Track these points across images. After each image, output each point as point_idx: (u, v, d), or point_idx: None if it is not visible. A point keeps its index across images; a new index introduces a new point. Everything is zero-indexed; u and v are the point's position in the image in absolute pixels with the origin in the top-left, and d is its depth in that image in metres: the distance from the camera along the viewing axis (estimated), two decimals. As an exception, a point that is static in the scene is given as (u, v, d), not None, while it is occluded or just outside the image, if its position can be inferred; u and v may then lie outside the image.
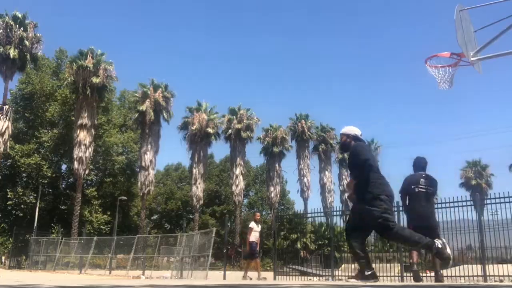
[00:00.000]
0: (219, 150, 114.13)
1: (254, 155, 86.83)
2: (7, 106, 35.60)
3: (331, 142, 50.89)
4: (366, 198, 5.48)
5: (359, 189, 5.61)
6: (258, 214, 17.12)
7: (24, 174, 43.57)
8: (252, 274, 15.57)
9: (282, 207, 58.75)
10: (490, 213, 13.72)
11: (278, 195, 47.61)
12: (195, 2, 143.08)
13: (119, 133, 47.67)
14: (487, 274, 11.22)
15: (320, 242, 28.64)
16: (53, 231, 37.69)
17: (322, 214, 21.13)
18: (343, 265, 17.21)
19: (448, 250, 5.17)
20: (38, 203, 40.38)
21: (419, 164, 8.22)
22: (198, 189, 42.39)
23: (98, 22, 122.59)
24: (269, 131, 47.76)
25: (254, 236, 15.24)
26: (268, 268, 24.93)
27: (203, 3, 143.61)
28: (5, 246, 39.21)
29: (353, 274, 6.12)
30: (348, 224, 6.12)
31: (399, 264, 12.91)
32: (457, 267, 11.88)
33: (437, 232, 7.78)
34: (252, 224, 15.46)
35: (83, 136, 36.95)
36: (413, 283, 6.44)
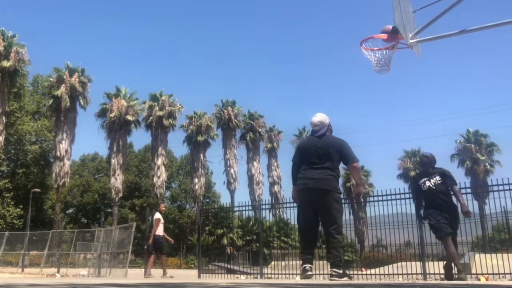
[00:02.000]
0: (140, 138, 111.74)
1: (177, 144, 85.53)
2: None
3: (259, 130, 50.27)
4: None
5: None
6: (163, 205, 16.48)
7: None
8: (155, 271, 14.83)
9: (207, 200, 57.61)
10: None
11: (203, 187, 46.84)
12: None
13: (32, 120, 45.94)
14: (427, 272, 11.11)
15: (248, 238, 28.34)
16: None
17: (250, 207, 20.53)
18: (272, 263, 16.85)
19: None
20: None
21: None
22: (117, 181, 41.07)
23: (9, 1, 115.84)
24: (193, 118, 46.82)
25: (161, 229, 14.47)
26: (192, 266, 24.31)
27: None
28: None
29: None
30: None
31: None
32: (395, 264, 11.71)
33: None
34: (158, 215, 14.66)
35: (-8, 124, 35.26)
36: (351, 281, 6.06)
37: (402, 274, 11.72)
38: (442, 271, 7.17)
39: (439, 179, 7.58)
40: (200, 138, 45.80)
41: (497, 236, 26.64)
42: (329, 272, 5.77)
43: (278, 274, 13.70)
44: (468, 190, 12.15)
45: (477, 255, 12.42)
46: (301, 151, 6.21)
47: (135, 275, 16.30)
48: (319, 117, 6.20)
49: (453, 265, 7.49)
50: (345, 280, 5.55)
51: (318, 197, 5.82)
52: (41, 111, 45.92)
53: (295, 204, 14.45)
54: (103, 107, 42.91)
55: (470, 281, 8.47)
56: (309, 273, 5.72)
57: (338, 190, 6.04)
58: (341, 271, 5.65)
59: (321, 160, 5.91)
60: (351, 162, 5.98)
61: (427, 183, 7.63)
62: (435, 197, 7.49)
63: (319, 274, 12.29)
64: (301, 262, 5.90)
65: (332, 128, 6.30)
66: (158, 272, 16.13)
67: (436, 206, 7.44)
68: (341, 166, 6.14)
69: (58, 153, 38.54)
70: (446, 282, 6.86)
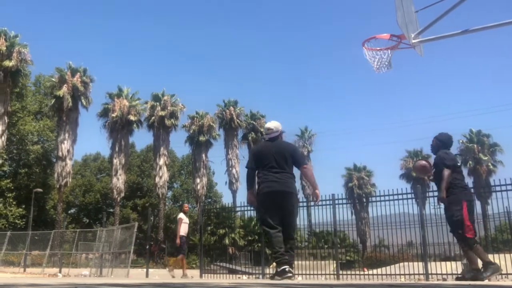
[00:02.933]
0: (142, 138, 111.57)
1: (179, 144, 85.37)
2: None
3: (261, 130, 49.97)
4: None
5: None
6: (186, 205, 16.24)
7: None
8: (177, 272, 14.77)
9: (209, 200, 57.54)
10: (433, 206, 13.57)
11: (205, 187, 46.68)
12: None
13: (35, 120, 45.73)
14: (429, 272, 11.05)
15: (249, 238, 28.23)
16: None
17: (252, 207, 20.43)
18: (274, 263, 16.77)
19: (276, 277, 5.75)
20: None
21: (451, 141, 7.45)
22: (119, 181, 41.01)
23: (11, 1, 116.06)
24: (195, 118, 46.67)
25: (184, 229, 14.32)
26: (194, 266, 24.25)
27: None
28: None
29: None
30: None
31: (334, 262, 12.56)
32: (397, 265, 11.66)
33: None
34: (182, 215, 14.51)
35: (-5, 124, 35.21)
36: (349, 281, 6.04)
37: (404, 274, 11.67)
38: (444, 271, 7.09)
39: (433, 169, 7.25)
40: (202, 138, 45.65)
41: (500, 236, 26.49)
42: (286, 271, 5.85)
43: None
44: (471, 191, 12.11)
45: (479, 256, 12.34)
46: (257, 156, 6.38)
47: (137, 275, 16.28)
48: (274, 123, 6.54)
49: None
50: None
51: (283, 199, 6.05)
52: (43, 111, 45.88)
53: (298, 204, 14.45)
54: (105, 107, 42.85)
55: (472, 281, 8.43)
56: (290, 274, 5.81)
57: (297, 193, 6.43)
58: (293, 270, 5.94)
59: (279, 164, 6.14)
60: (303, 164, 6.35)
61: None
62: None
63: (320, 274, 12.29)
64: (277, 263, 5.96)
65: (283, 137, 6.66)
66: (160, 273, 16.15)
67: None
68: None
69: (60, 153, 38.49)
70: (448, 282, 6.79)
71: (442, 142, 7.31)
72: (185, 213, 14.67)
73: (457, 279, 7.71)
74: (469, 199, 7.03)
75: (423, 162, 7.65)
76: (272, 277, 6.06)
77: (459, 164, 7.46)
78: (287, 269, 5.76)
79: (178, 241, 13.86)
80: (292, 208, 6.10)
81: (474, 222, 7.09)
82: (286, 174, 6.15)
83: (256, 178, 6.39)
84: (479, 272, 6.76)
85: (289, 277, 5.75)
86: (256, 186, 6.39)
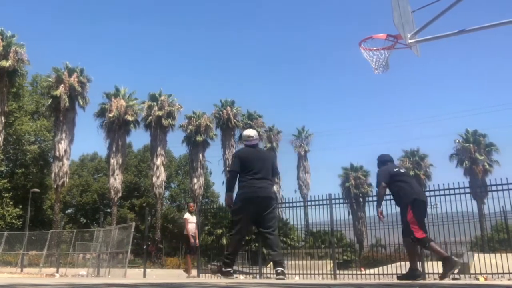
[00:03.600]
0: (139, 138, 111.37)
1: (176, 144, 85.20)
2: None
3: (259, 130, 49.95)
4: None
5: None
6: (192, 204, 16.18)
7: None
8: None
9: (206, 200, 57.34)
10: (429, 206, 13.57)
11: (202, 187, 46.71)
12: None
13: (31, 120, 45.61)
14: (426, 271, 11.09)
15: (247, 238, 28.13)
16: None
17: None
18: (271, 262, 16.77)
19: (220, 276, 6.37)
20: None
21: (387, 158, 7.92)
22: (116, 181, 40.94)
23: (8, 1, 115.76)
24: (192, 118, 46.65)
25: (191, 229, 14.30)
26: (192, 266, 24.17)
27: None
28: None
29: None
30: None
31: (331, 261, 12.58)
32: (394, 264, 11.69)
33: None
34: (188, 215, 14.49)
35: (-9, 124, 35.08)
36: (346, 281, 6.11)
37: (401, 274, 11.67)
38: (440, 270, 7.16)
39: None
40: (199, 138, 45.63)
41: (496, 236, 26.60)
42: (276, 270, 6.28)
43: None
44: (467, 190, 12.15)
45: (476, 255, 12.41)
46: (243, 161, 6.61)
47: (134, 275, 16.28)
48: (253, 131, 7.06)
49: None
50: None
51: (265, 204, 6.40)
52: (40, 111, 45.61)
53: (295, 204, 14.55)
54: (102, 107, 42.73)
55: (469, 281, 8.49)
56: (231, 275, 6.47)
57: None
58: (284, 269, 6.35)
59: (262, 171, 6.51)
60: (277, 174, 7.11)
61: None
62: None
63: (317, 274, 12.32)
64: (223, 264, 6.49)
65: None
66: (158, 273, 16.17)
67: None
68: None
69: (57, 153, 38.36)
70: (444, 281, 6.87)
71: (379, 161, 7.88)
72: (191, 212, 14.64)
73: (398, 278, 8.13)
74: (414, 200, 7.15)
75: None
76: (214, 272, 6.76)
77: (402, 171, 7.73)
78: (231, 271, 6.50)
79: (191, 240, 13.93)
80: (272, 210, 6.50)
81: (423, 221, 7.20)
82: (268, 180, 6.56)
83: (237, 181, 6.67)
84: (416, 272, 7.12)
85: (231, 277, 6.43)
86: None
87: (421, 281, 6.71)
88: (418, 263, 7.13)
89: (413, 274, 7.02)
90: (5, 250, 23.38)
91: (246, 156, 6.67)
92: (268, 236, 6.34)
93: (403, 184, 7.36)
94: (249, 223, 6.55)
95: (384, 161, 7.81)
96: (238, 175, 6.56)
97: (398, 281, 7.48)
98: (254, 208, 6.36)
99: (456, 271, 7.49)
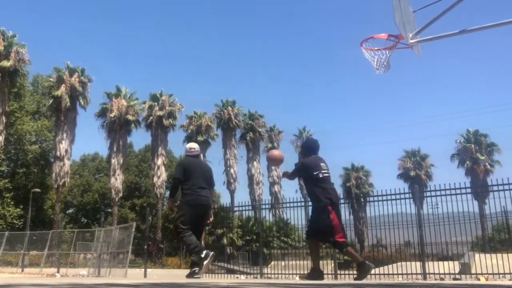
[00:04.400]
0: (140, 138, 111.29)
1: (177, 144, 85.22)
2: None
3: (259, 130, 49.83)
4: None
5: None
6: None
7: None
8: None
9: (207, 200, 57.31)
10: (430, 206, 13.55)
11: (203, 187, 46.38)
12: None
13: (32, 120, 45.70)
14: (427, 271, 11.05)
15: (247, 238, 28.15)
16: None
17: (250, 207, 20.40)
18: (272, 262, 16.80)
19: (205, 263, 6.58)
20: None
21: (315, 146, 7.30)
22: (117, 181, 40.93)
23: (9, 1, 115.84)
24: (193, 118, 46.67)
25: None
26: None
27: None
28: None
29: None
30: None
31: (332, 261, 12.56)
32: (394, 264, 11.66)
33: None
34: None
35: (-8, 124, 35.13)
36: (348, 281, 6.10)
37: (402, 274, 11.65)
38: (441, 270, 7.12)
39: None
40: (200, 138, 45.55)
41: (497, 236, 26.58)
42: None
43: (278, 274, 13.68)
44: (468, 190, 12.13)
45: (477, 255, 12.38)
46: (188, 170, 7.15)
47: (135, 275, 16.23)
48: (195, 144, 7.75)
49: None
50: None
51: (206, 212, 7.19)
52: (41, 111, 45.72)
53: (295, 204, 14.53)
54: (103, 107, 42.69)
55: (470, 281, 8.47)
56: (198, 276, 6.69)
57: None
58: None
59: (205, 181, 7.20)
60: (213, 186, 7.50)
61: None
62: None
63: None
64: (192, 263, 6.91)
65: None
66: (158, 273, 16.17)
67: None
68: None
69: (58, 153, 38.36)
70: (445, 282, 6.84)
71: (302, 147, 7.82)
72: None
73: (300, 277, 8.24)
74: (333, 203, 6.75)
75: (275, 154, 7.66)
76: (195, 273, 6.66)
77: (321, 176, 6.87)
78: (197, 271, 6.64)
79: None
80: (208, 217, 7.35)
81: (342, 224, 6.92)
82: (208, 190, 7.21)
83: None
84: (320, 272, 7.01)
85: (198, 277, 6.62)
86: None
87: (401, 281, 6.52)
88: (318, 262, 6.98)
89: (317, 274, 6.83)
90: (6, 250, 23.33)
91: (191, 166, 7.22)
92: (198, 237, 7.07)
93: (323, 184, 6.84)
94: (192, 223, 7.02)
95: (308, 149, 7.33)
96: (181, 183, 7.13)
97: (398, 281, 7.43)
98: (196, 213, 7.03)
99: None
